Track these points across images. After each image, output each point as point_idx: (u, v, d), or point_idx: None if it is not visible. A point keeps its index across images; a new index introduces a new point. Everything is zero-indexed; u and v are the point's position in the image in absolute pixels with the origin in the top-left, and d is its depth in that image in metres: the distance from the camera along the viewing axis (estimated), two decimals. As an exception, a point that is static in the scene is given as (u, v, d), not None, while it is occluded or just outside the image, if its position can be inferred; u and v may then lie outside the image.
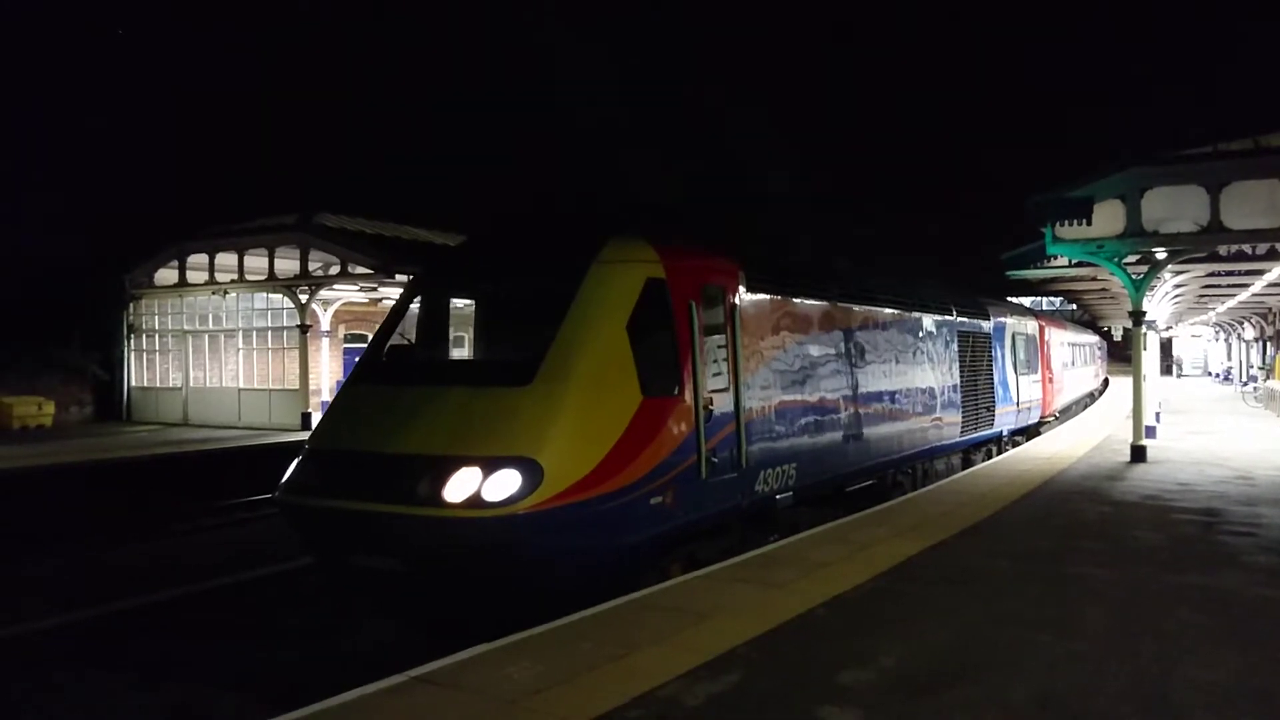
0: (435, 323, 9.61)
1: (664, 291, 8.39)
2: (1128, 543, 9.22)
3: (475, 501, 6.86)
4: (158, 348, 29.51)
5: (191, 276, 28.01)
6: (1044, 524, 10.21)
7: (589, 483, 7.23)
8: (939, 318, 15.38)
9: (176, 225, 30.43)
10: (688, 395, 8.37)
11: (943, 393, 15.17)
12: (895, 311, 13.60)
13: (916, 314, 14.42)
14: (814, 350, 10.96)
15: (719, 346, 9.05)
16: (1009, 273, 22.66)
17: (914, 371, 13.99)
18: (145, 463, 19.14)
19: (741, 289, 9.56)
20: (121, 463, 18.85)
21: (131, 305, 29.58)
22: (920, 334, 14.44)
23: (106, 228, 34.04)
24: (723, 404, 8.88)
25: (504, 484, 6.91)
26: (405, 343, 9.09)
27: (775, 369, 10.02)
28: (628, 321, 7.96)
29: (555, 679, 5.37)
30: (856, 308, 12.32)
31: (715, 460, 8.61)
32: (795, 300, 10.73)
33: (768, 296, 10.12)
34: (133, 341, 29.63)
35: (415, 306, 9.54)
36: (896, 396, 13.25)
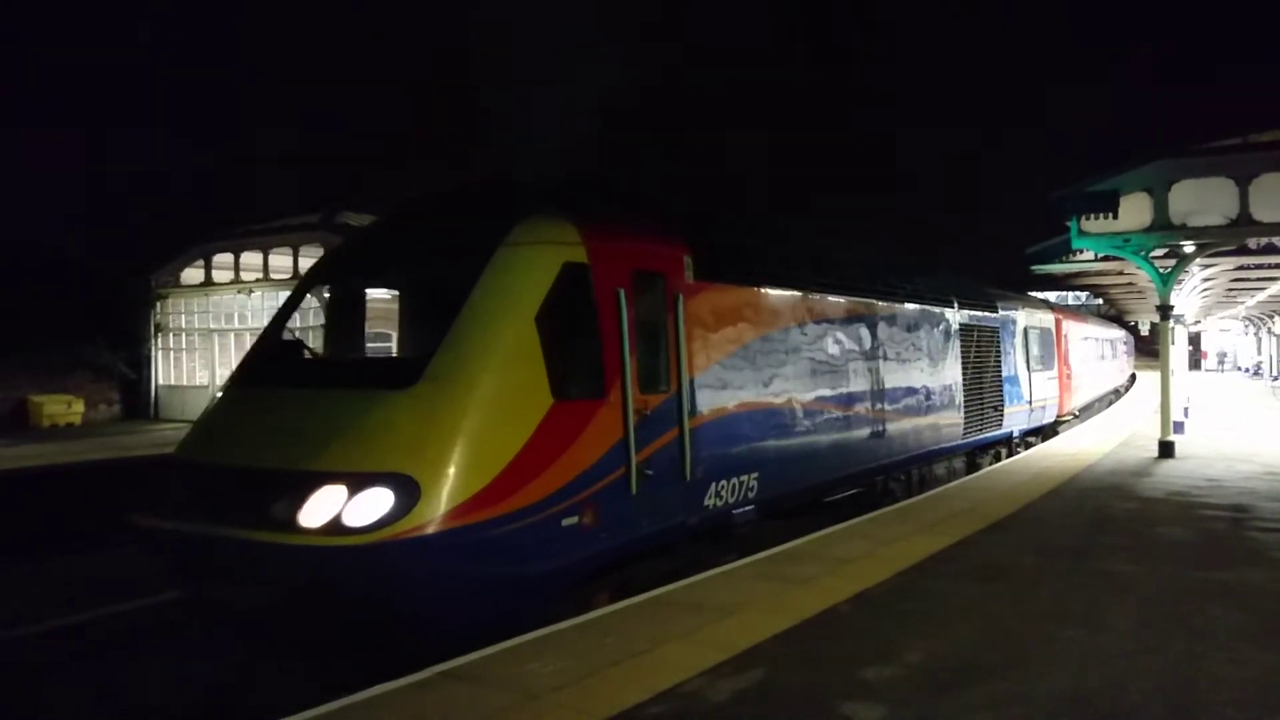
0: (330, 317, 8.79)
1: (585, 277, 7.33)
2: (1155, 539, 9.13)
3: (335, 527, 5.93)
4: (184, 346, 29.81)
5: (217, 276, 28.30)
6: (1069, 520, 10.13)
7: (479, 502, 6.23)
8: (936, 309, 14.30)
9: (201, 224, 30.79)
10: (614, 398, 7.33)
11: (941, 391, 14.10)
12: (881, 302, 12.38)
13: (908, 305, 13.24)
14: (780, 346, 9.79)
15: (658, 341, 8.00)
16: (1033, 267, 22.49)
17: (905, 368, 12.88)
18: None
19: (689, 275, 8.40)
20: (145, 461, 19.06)
21: (158, 304, 29.91)
22: (913, 327, 13.32)
23: (132, 226, 34.45)
24: (662, 407, 7.84)
25: (370, 506, 5.98)
26: (292, 339, 8.11)
27: (731, 367, 8.88)
28: (537, 312, 6.91)
29: (579, 674, 5.39)
30: (834, 298, 11.10)
31: (650, 472, 7.55)
32: (758, 289, 9.62)
33: (723, 284, 8.95)
34: (159, 340, 29.95)
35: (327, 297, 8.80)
36: (884, 396, 12.10)
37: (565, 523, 6.80)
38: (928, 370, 13.69)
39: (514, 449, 6.50)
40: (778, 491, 9.49)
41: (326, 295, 8.90)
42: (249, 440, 6.82)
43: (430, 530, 6.01)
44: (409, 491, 6.02)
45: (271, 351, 8.00)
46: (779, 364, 9.71)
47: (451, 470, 6.19)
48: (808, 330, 10.38)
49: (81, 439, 22.78)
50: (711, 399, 8.53)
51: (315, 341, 8.91)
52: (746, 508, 8.97)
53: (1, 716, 7.52)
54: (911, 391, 13.04)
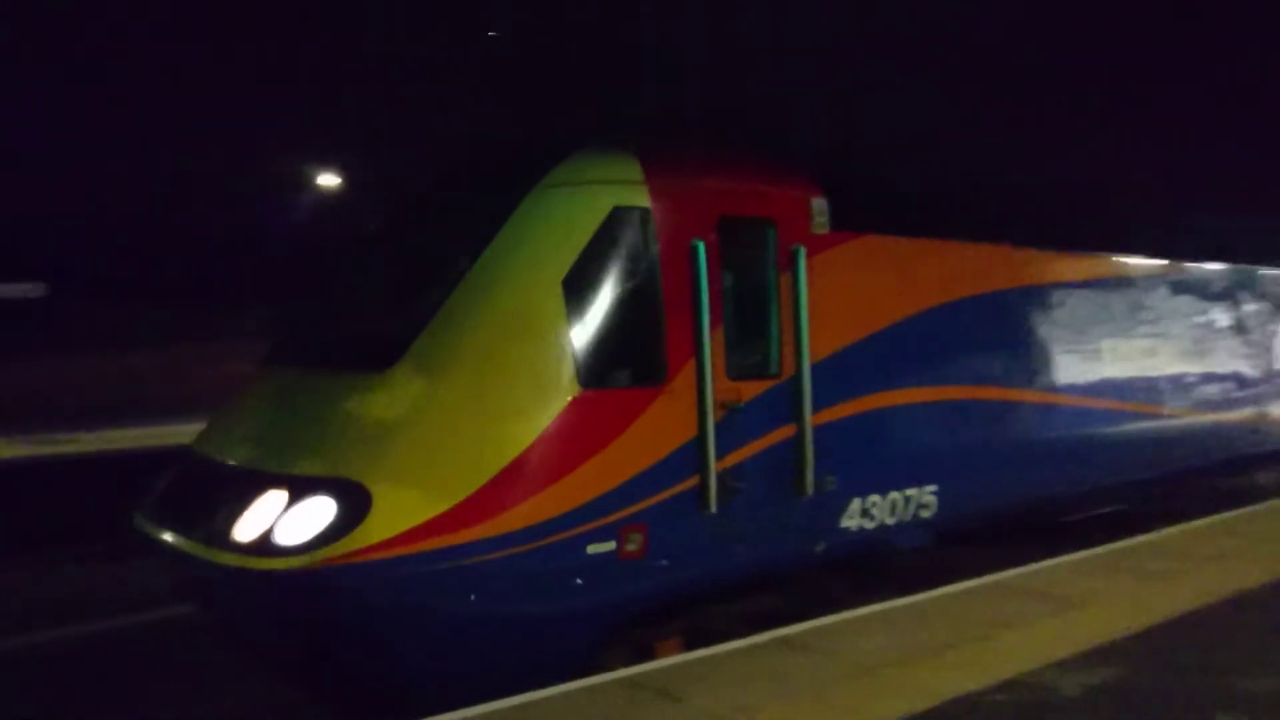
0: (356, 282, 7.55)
1: (643, 225, 5.78)
2: None
3: (263, 545, 4.87)
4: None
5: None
6: None
7: (455, 519, 4.93)
8: (1246, 269, 11.49)
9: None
10: (681, 385, 5.77)
11: (1255, 378, 11.26)
12: (1144, 260, 9.88)
13: (1193, 264, 10.64)
14: (975, 317, 7.75)
15: (764, 311, 6.37)
16: None
17: (1191, 347, 10.30)
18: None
19: (817, 222, 6.60)
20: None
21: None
22: (1205, 293, 10.66)
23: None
24: (766, 398, 6.19)
25: (307, 519, 4.87)
26: (314, 311, 7.12)
27: (889, 345, 7.00)
28: (568, 273, 5.52)
29: (913, 652, 5.34)
30: (1065, 255, 8.86)
31: (740, 483, 5.96)
32: (938, 241, 7.61)
33: (874, 234, 7.05)
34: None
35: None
36: (1153, 385, 9.63)
37: (592, 549, 5.36)
38: (1233, 350, 11.05)
39: (512, 451, 5.18)
40: (969, 509, 7.58)
41: (356, 258, 7.63)
42: (235, 431, 6.06)
43: (377, 555, 4.79)
44: (356, 503, 4.87)
45: (294, 327, 7.06)
46: (973, 342, 7.75)
47: (416, 476, 5.04)
48: (1022, 298, 8.30)
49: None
50: (853, 387, 6.74)
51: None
52: (917, 529, 7.21)
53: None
54: (1206, 378, 10.52)
